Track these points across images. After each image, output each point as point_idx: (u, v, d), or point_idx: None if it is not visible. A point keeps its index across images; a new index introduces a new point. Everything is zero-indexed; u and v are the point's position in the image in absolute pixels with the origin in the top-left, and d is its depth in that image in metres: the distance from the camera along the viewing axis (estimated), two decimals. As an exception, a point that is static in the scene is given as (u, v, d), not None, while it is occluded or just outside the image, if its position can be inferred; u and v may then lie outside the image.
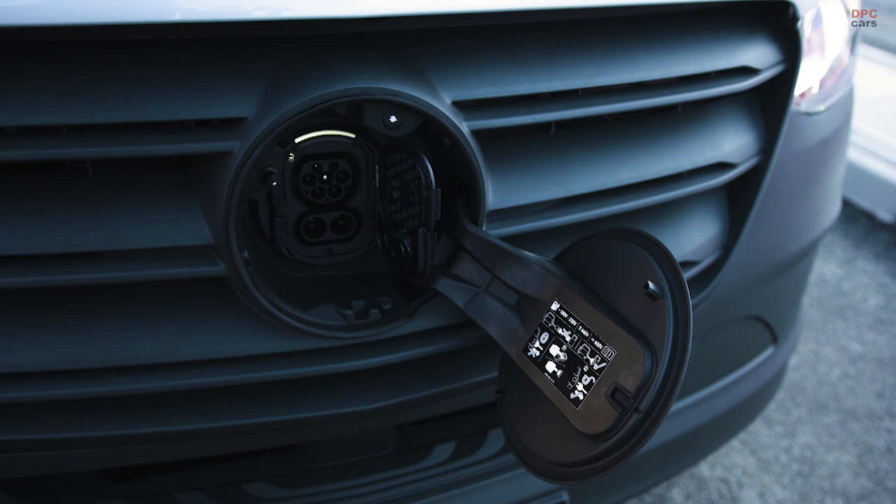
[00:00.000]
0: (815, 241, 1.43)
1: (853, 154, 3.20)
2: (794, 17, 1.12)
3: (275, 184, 0.89)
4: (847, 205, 3.21)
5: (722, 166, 1.12)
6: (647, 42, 1.00)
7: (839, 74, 1.36)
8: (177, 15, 0.73)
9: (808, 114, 1.26)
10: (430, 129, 0.88)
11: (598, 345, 0.78)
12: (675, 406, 1.34)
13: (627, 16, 1.01)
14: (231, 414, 0.93)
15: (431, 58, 0.88)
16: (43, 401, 0.88)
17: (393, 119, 0.84)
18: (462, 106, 0.88)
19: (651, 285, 0.78)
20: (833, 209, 1.47)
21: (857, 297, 2.72)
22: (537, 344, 0.84)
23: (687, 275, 1.15)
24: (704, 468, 2.01)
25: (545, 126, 1.02)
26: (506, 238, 0.93)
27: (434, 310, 0.97)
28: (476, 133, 0.89)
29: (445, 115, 0.84)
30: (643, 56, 0.99)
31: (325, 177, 0.94)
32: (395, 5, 0.80)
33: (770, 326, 1.46)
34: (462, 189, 0.94)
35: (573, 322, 0.81)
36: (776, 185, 1.21)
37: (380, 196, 0.97)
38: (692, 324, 0.75)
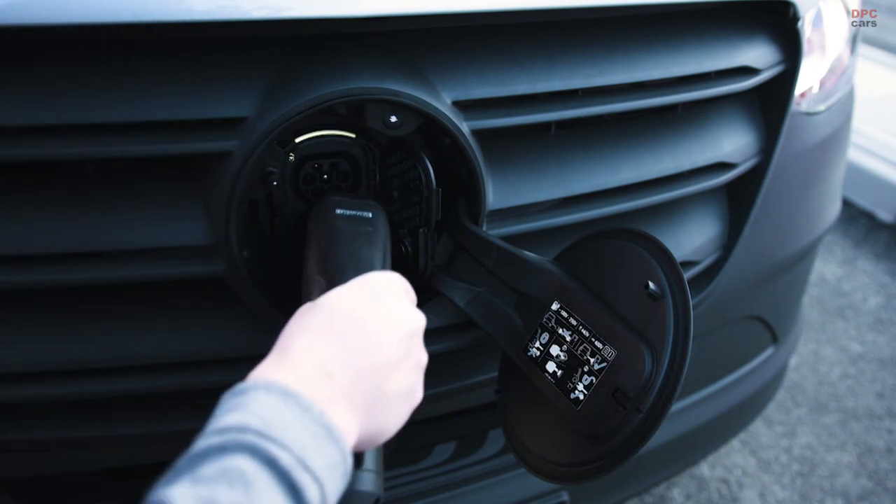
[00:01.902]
0: (816, 241, 1.43)
1: (853, 154, 3.20)
2: (795, 17, 1.12)
3: (275, 184, 0.89)
4: (847, 205, 3.21)
5: (722, 166, 1.12)
6: (647, 42, 1.00)
7: (839, 74, 1.36)
8: (176, 15, 0.73)
9: (809, 114, 1.26)
10: (430, 129, 0.88)
11: (599, 345, 0.78)
12: (675, 406, 1.33)
13: (627, 16, 1.01)
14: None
15: (432, 58, 0.88)
16: (43, 401, 0.88)
17: (393, 119, 0.84)
18: (462, 106, 0.88)
19: (651, 285, 0.78)
20: (833, 209, 1.47)
21: (857, 297, 2.72)
22: (537, 344, 0.84)
23: (687, 275, 1.15)
24: (704, 468, 2.01)
25: (545, 126, 1.02)
26: (506, 238, 0.93)
27: (434, 310, 0.97)
28: (476, 133, 0.89)
29: (446, 115, 0.84)
30: (643, 56, 0.99)
31: (325, 177, 0.94)
32: (396, 5, 0.80)
33: (770, 326, 1.46)
34: (462, 189, 0.94)
35: (573, 322, 0.81)
36: (776, 185, 1.21)
37: (380, 196, 0.96)
38: (692, 324, 0.75)
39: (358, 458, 0.61)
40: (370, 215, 0.82)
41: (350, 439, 0.55)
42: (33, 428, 0.89)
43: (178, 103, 0.77)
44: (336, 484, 0.51)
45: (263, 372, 0.55)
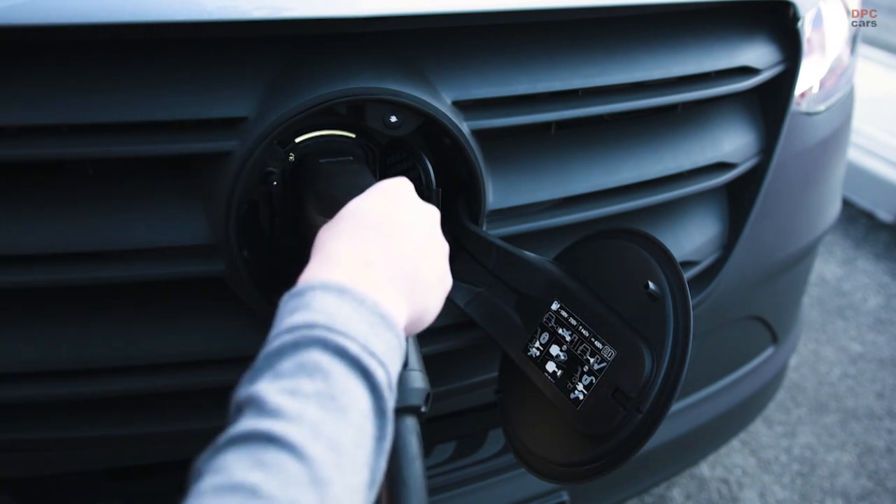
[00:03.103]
0: (816, 241, 1.43)
1: (853, 154, 3.20)
2: (795, 17, 1.11)
3: (275, 184, 0.89)
4: (847, 205, 3.21)
5: (722, 166, 1.12)
6: (647, 42, 1.00)
7: (839, 74, 1.36)
8: (177, 15, 0.73)
9: (809, 114, 1.26)
10: (430, 129, 0.88)
11: (599, 345, 0.78)
12: (675, 406, 1.33)
13: (627, 16, 1.01)
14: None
15: (432, 58, 0.88)
16: (43, 401, 0.88)
17: (393, 119, 0.84)
18: (462, 106, 0.88)
19: (651, 285, 0.77)
20: (833, 209, 1.47)
21: (857, 297, 2.72)
22: (537, 344, 0.84)
23: (687, 275, 1.15)
24: (704, 468, 2.01)
25: (545, 126, 1.02)
26: (506, 238, 0.93)
27: (434, 310, 0.97)
28: (476, 133, 0.89)
29: (446, 115, 0.84)
30: (643, 56, 0.99)
31: (325, 177, 0.93)
32: (396, 5, 0.80)
33: (770, 326, 1.46)
34: (462, 189, 0.94)
35: (573, 322, 0.81)
36: (776, 185, 1.21)
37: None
38: (692, 324, 0.75)
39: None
40: (351, 158, 0.87)
41: (401, 323, 0.59)
42: (33, 428, 0.89)
43: (178, 103, 0.77)
44: (396, 366, 0.56)
45: (312, 275, 0.58)
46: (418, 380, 0.66)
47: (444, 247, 0.70)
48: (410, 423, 0.65)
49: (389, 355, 0.54)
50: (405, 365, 0.66)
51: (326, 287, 0.55)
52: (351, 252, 0.60)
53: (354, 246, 0.60)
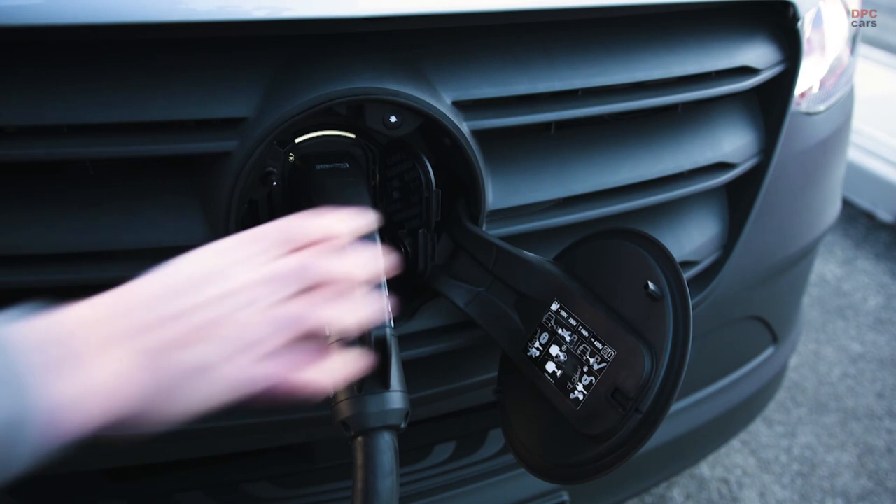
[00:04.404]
0: (816, 241, 1.43)
1: (853, 154, 3.20)
2: (795, 17, 1.12)
3: (275, 184, 0.89)
4: (847, 205, 3.21)
5: (722, 166, 1.12)
6: (647, 42, 1.00)
7: (839, 74, 1.36)
8: (176, 15, 0.73)
9: (809, 114, 1.26)
10: (430, 129, 0.88)
11: (598, 345, 0.78)
12: (675, 406, 1.34)
13: (627, 16, 1.01)
14: (231, 414, 0.93)
15: (432, 58, 0.88)
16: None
17: (393, 119, 0.84)
18: (462, 106, 0.88)
19: (651, 286, 0.77)
20: (833, 209, 1.47)
21: (857, 297, 2.72)
22: (537, 344, 0.84)
23: (687, 275, 1.15)
24: (704, 468, 2.01)
25: (545, 126, 1.02)
26: (506, 238, 0.93)
27: (434, 310, 0.97)
28: (476, 133, 0.89)
29: (446, 116, 0.84)
30: (643, 56, 0.99)
31: (325, 177, 0.94)
32: (396, 5, 0.80)
33: (770, 326, 1.46)
34: (462, 189, 0.94)
35: (573, 322, 0.81)
36: (776, 185, 1.21)
37: (380, 196, 0.96)
38: (692, 324, 0.75)
39: (385, 380, 0.68)
40: (347, 165, 0.89)
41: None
42: (33, 428, 0.89)
43: (178, 103, 0.77)
44: None
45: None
46: (398, 401, 0.68)
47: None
48: (388, 439, 0.66)
49: None
50: (388, 386, 0.68)
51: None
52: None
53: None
